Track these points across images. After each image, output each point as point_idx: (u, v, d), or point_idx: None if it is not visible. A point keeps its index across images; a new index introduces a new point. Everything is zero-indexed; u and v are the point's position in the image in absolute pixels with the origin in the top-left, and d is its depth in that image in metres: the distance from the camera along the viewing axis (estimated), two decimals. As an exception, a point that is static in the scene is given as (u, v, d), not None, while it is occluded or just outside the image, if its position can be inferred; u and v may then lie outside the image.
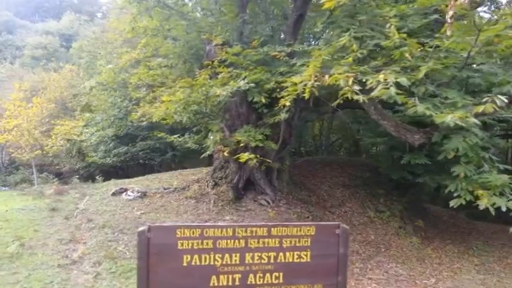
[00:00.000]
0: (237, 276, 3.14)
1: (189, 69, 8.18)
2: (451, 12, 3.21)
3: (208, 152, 6.87)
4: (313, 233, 3.28)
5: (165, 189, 9.11)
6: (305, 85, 4.34)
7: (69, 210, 7.97)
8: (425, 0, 4.08)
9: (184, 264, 3.05)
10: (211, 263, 3.09)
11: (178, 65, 8.13)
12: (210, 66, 6.25)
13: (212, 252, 3.09)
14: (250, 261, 3.16)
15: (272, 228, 3.21)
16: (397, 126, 5.53)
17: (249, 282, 3.16)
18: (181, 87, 6.28)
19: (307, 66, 4.71)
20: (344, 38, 4.01)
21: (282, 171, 9.49)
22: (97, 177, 12.92)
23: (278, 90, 5.73)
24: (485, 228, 11.33)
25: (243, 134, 6.28)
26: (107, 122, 14.57)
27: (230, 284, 3.10)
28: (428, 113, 3.49)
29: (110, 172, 20.16)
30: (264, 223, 3.41)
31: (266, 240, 3.19)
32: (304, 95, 4.84)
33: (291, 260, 3.23)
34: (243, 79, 5.62)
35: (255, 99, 5.67)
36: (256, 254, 3.17)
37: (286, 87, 5.40)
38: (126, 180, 10.93)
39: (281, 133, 7.34)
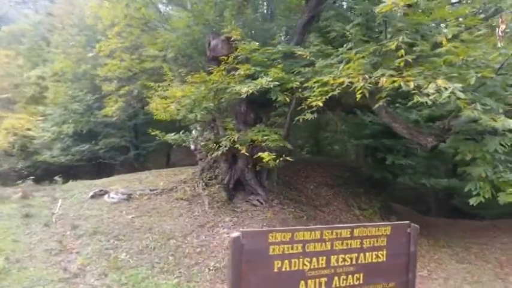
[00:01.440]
0: (323, 280, 3.05)
1: (190, 64, 7.70)
2: (503, 26, 3.51)
3: (222, 150, 6.50)
4: (388, 233, 3.32)
5: (151, 190, 8.50)
6: (349, 85, 4.38)
7: (45, 216, 7.02)
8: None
9: (275, 270, 2.87)
10: (300, 267, 2.96)
11: (178, 58, 7.60)
12: (224, 62, 5.98)
13: (301, 257, 2.96)
14: (335, 264, 3.10)
15: (355, 229, 3.18)
16: (409, 129, 5.85)
17: (333, 286, 3.09)
18: (193, 82, 5.91)
19: (347, 67, 4.76)
20: (392, 43, 4.14)
21: (272, 171, 9.47)
22: (56, 178, 11.47)
23: (300, 90, 5.72)
24: (441, 223, 12.57)
25: (257, 134, 6.11)
26: (63, 117, 13.13)
27: (317, 288, 3.00)
28: (483, 117, 3.77)
29: (60, 172, 18.21)
30: (347, 225, 3.36)
31: (349, 241, 3.15)
32: (333, 93, 4.90)
33: (369, 260, 3.23)
34: (265, 77, 5.48)
35: (278, 99, 5.55)
36: (340, 256, 3.11)
37: (310, 87, 5.42)
38: (98, 181, 9.97)
39: (284, 132, 7.32)
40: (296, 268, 2.94)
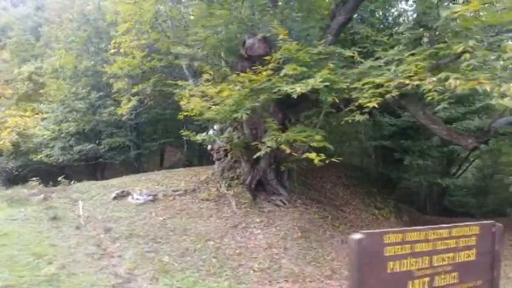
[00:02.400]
0: (427, 279, 3.09)
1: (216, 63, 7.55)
2: None
3: (263, 151, 6.41)
4: (477, 232, 3.41)
5: (174, 191, 8.30)
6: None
7: (72, 218, 6.72)
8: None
9: (389, 271, 2.89)
10: (409, 268, 2.99)
11: (208, 57, 7.43)
12: (267, 62, 5.93)
13: (409, 257, 2.99)
14: (436, 264, 3.15)
15: (452, 230, 3.24)
16: (449, 131, 6.02)
17: (435, 285, 3.14)
18: (238, 82, 5.82)
19: (404, 68, 4.83)
20: (459, 46, 4.25)
21: (291, 172, 9.49)
22: (59, 179, 10.95)
23: (347, 91, 5.76)
24: (440, 221, 13.01)
25: (298, 134, 6.10)
26: (64, 115, 12.59)
27: (422, 288, 3.04)
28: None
29: (52, 172, 17.44)
30: (446, 225, 3.42)
31: (448, 241, 3.21)
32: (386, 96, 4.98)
33: (463, 259, 3.31)
34: (314, 77, 5.48)
35: (328, 99, 5.56)
36: (440, 256, 3.17)
37: (360, 88, 5.47)
38: (113, 182, 9.62)
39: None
40: (406, 269, 2.97)
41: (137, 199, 7.70)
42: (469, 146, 5.84)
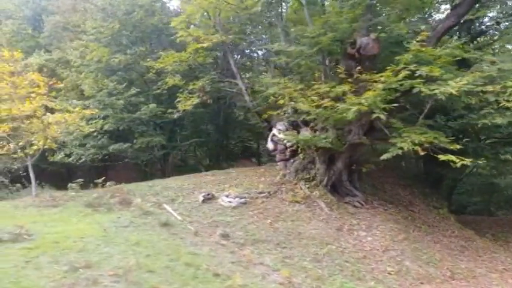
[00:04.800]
0: None
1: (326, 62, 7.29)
2: None
3: (395, 152, 6.23)
4: None
5: (259, 193, 7.96)
6: None
7: (179, 224, 6.22)
8: None
9: None
10: None
11: (312, 55, 7.13)
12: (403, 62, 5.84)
13: None
14: None
15: None
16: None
17: None
18: (375, 81, 5.68)
19: None
20: None
21: (361, 173, 9.46)
22: (99, 181, 10.00)
23: (481, 93, 5.81)
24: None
25: (421, 135, 6.04)
26: (103, 112, 11.67)
27: None
28: None
29: (58, 174, 16.07)
30: None
31: None
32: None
33: None
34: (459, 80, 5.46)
35: (473, 102, 5.58)
36: None
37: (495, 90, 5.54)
38: (168, 182, 9.06)
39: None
40: None
41: (229, 202, 7.29)
42: None
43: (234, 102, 13.39)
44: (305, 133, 8.66)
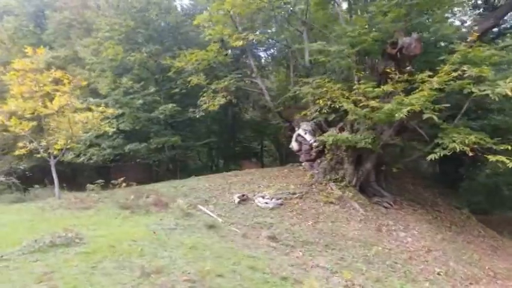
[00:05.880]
0: None
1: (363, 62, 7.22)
2: None
3: (440, 153, 6.19)
4: None
5: (291, 194, 7.87)
6: None
7: (224, 226, 6.09)
8: None
9: None
10: None
11: (349, 55, 7.04)
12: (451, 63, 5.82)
13: None
14: None
15: None
16: None
17: None
18: (423, 81, 5.65)
19: None
20: None
21: (387, 173, 9.47)
22: (114, 182, 9.73)
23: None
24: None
25: (468, 136, 6.01)
26: (116, 111, 11.39)
27: None
28: None
29: (64, 174, 15.65)
30: None
31: None
32: None
33: None
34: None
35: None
36: None
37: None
38: (194, 183, 8.92)
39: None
40: None
41: (266, 203, 7.18)
42: None
43: (249, 102, 13.27)
44: (343, 133, 8.52)
